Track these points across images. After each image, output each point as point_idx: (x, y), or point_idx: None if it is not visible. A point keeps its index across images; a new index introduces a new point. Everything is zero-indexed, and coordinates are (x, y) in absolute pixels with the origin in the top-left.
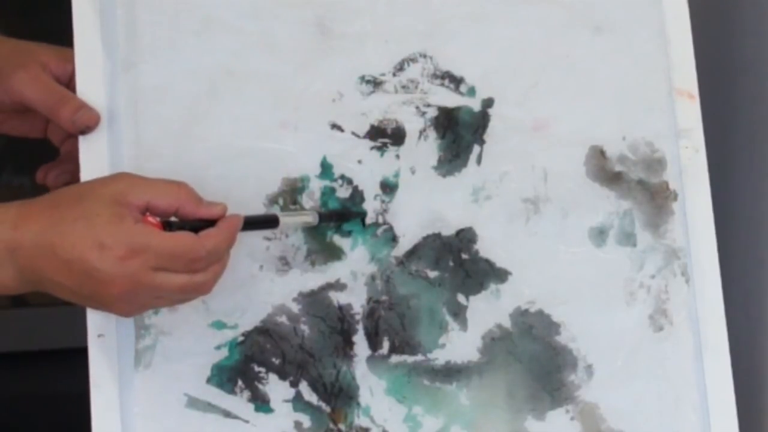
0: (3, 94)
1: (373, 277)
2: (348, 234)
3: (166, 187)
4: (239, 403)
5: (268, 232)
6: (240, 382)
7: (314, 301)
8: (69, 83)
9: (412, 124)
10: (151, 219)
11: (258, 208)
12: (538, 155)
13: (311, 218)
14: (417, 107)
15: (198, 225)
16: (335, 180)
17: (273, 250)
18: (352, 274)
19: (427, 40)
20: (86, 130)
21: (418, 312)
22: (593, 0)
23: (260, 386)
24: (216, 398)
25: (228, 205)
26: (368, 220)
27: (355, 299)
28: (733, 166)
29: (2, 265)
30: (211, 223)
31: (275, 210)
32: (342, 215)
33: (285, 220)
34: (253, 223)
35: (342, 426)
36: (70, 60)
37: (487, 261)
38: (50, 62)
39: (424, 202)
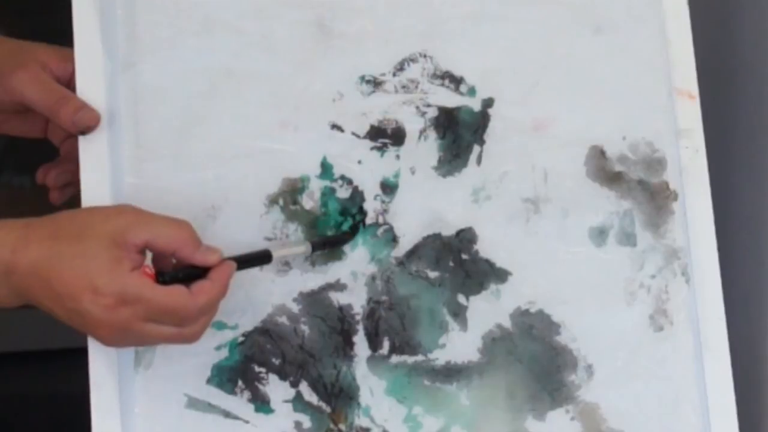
0: (3, 93)
1: (373, 278)
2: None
3: (167, 227)
4: (239, 403)
5: (268, 232)
6: (240, 383)
7: (314, 301)
8: (69, 83)
9: (412, 124)
10: (147, 270)
11: (258, 208)
12: (538, 155)
13: (304, 248)
14: (417, 107)
15: (192, 273)
16: (335, 180)
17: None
18: (353, 274)
19: (427, 40)
20: (87, 130)
21: (419, 312)
22: (593, 0)
23: (260, 386)
24: (216, 398)
25: (228, 206)
26: (368, 220)
27: (356, 299)
28: (733, 166)
29: None
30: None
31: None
32: (335, 242)
33: (278, 253)
34: (246, 262)
35: (342, 426)
36: (70, 60)
37: (487, 261)
38: (50, 62)
39: (424, 202)
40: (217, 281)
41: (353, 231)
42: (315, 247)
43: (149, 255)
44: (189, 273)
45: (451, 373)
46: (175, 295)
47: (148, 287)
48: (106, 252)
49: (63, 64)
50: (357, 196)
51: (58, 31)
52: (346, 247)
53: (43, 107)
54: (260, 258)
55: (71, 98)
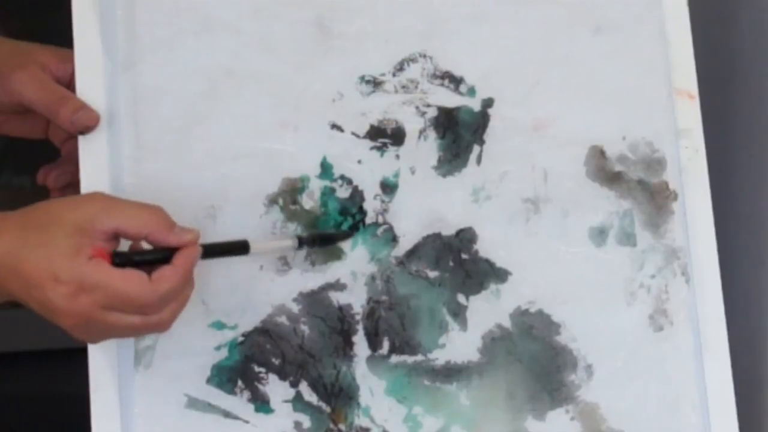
0: (2, 94)
1: (373, 277)
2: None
3: (138, 211)
4: (239, 403)
5: (268, 232)
6: (240, 383)
7: (314, 301)
8: (69, 84)
9: (412, 124)
10: (104, 252)
11: (258, 208)
12: (538, 155)
13: (290, 242)
14: (417, 107)
15: (154, 257)
16: (335, 180)
17: None
18: (352, 274)
19: (427, 40)
20: (85, 130)
21: (418, 312)
22: (593, 0)
23: (260, 386)
24: (216, 398)
25: (228, 206)
26: (368, 220)
27: (355, 299)
28: (733, 166)
29: None
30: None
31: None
32: (326, 238)
33: (257, 246)
34: (218, 252)
35: (342, 426)
36: (70, 60)
37: (487, 261)
38: (50, 63)
39: (424, 202)
40: (180, 267)
41: (352, 229)
42: (302, 242)
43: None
44: (149, 257)
45: (451, 372)
46: (133, 281)
47: (105, 274)
48: (68, 240)
49: (63, 65)
50: (357, 195)
51: (58, 31)
52: (346, 247)
53: (42, 107)
54: (236, 248)
55: (70, 98)
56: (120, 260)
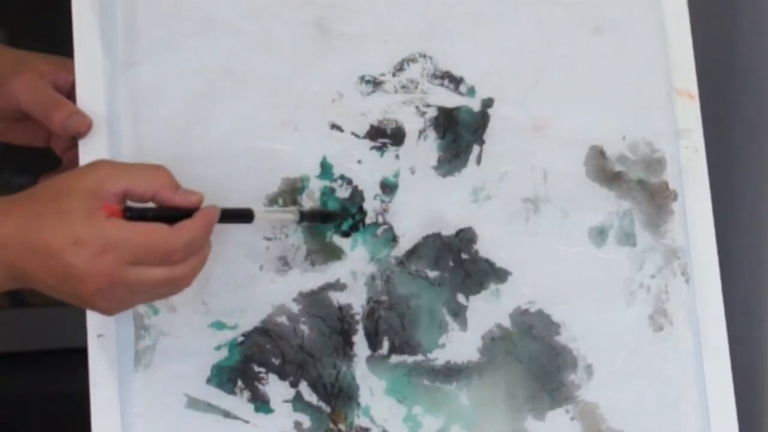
0: (2, 101)
1: (373, 277)
2: (348, 234)
3: (144, 171)
4: (239, 403)
5: (268, 232)
6: (240, 383)
7: (314, 301)
8: (70, 93)
9: (412, 124)
10: (117, 208)
11: (258, 208)
12: (538, 155)
13: (292, 215)
14: (417, 107)
15: (173, 215)
16: (335, 180)
17: (273, 250)
18: (352, 274)
19: (427, 40)
20: (77, 135)
21: (418, 312)
22: (593, 0)
23: (260, 386)
24: (216, 398)
25: (228, 206)
26: (368, 220)
27: (355, 299)
28: (733, 166)
29: None
30: (187, 215)
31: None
32: (325, 215)
33: (261, 215)
34: (228, 216)
35: (342, 426)
36: (70, 69)
37: (487, 261)
38: (50, 71)
39: (424, 202)
40: (201, 219)
41: (352, 229)
42: (304, 217)
43: None
44: (160, 214)
45: (451, 372)
46: (156, 231)
47: (127, 228)
48: (82, 203)
49: (63, 74)
50: (357, 195)
51: (58, 31)
52: (346, 247)
53: (37, 112)
54: (242, 215)
55: (65, 104)
56: (132, 215)
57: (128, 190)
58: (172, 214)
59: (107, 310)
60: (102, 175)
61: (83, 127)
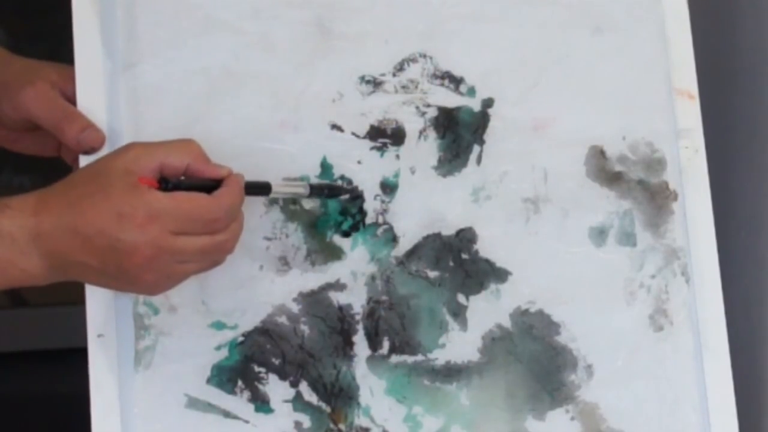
0: (12, 111)
1: (373, 277)
2: (348, 234)
3: (176, 145)
4: (239, 403)
5: (268, 232)
6: (240, 383)
7: (314, 301)
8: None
9: (412, 124)
10: (153, 180)
11: (258, 208)
12: (538, 155)
13: (303, 189)
14: (417, 107)
15: (205, 186)
16: (335, 180)
17: (273, 250)
18: (352, 274)
19: (427, 40)
20: (90, 150)
21: (418, 312)
22: (593, 0)
23: (260, 386)
24: (216, 398)
25: None
26: (368, 220)
27: (355, 299)
28: (733, 166)
29: (27, 253)
30: (215, 186)
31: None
32: (333, 189)
33: (277, 189)
34: (249, 188)
35: (342, 426)
36: None
37: (487, 261)
38: (59, 81)
39: (424, 202)
40: (233, 186)
41: (352, 229)
42: (313, 191)
43: None
44: (193, 184)
45: (451, 372)
46: (197, 199)
47: (168, 198)
48: (122, 180)
49: (72, 83)
50: (357, 196)
51: (58, 31)
52: (346, 247)
53: (49, 124)
54: (260, 187)
55: (78, 117)
56: (168, 186)
57: (164, 164)
58: (204, 185)
59: (154, 285)
60: (137, 152)
61: (97, 142)
